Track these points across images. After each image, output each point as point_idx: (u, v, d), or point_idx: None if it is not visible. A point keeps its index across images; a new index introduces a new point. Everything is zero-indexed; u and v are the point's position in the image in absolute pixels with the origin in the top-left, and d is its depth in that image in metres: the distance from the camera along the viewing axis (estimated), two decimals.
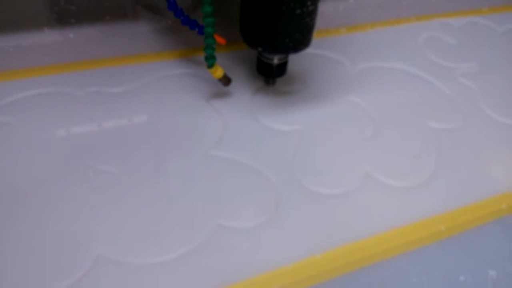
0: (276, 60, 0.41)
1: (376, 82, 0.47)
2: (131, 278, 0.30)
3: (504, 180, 0.39)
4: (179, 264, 0.31)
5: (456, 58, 0.52)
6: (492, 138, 0.43)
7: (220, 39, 0.40)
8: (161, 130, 0.39)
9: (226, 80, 0.42)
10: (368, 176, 0.38)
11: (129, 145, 0.38)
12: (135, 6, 0.51)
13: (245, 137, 0.40)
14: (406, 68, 0.50)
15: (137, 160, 0.37)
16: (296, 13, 0.35)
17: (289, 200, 0.35)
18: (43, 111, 0.40)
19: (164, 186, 0.35)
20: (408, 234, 0.34)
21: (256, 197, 0.35)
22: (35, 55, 0.45)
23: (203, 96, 0.43)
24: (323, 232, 0.33)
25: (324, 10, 0.55)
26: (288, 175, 0.37)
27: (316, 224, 0.34)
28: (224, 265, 0.31)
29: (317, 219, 0.34)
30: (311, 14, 0.37)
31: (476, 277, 0.32)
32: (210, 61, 0.39)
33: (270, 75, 0.43)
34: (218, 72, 0.40)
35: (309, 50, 0.43)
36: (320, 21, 0.41)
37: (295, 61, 0.46)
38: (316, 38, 0.41)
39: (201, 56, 0.46)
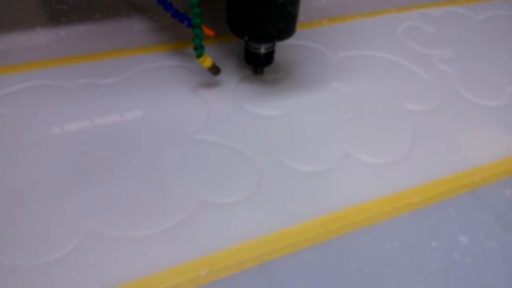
0: (263, 49, 0.43)
1: (357, 69, 0.49)
2: (120, 251, 0.31)
3: (477, 155, 0.41)
4: (166, 236, 0.32)
5: (434, 46, 0.54)
6: (466, 118, 0.45)
7: (208, 31, 0.42)
8: (149, 116, 0.41)
9: (215, 70, 0.44)
10: (347, 154, 0.40)
11: (118, 131, 0.40)
12: (125, 3, 0.53)
13: (229, 122, 0.42)
14: (385, 56, 0.52)
15: (126, 144, 0.39)
16: (279, 2, 0.38)
17: (270, 178, 0.37)
18: (34, 103, 0.42)
19: (152, 166, 0.37)
20: (383, 205, 0.36)
21: (238, 176, 0.37)
22: (27, 52, 0.47)
23: (190, 86, 0.45)
24: (301, 205, 0.35)
25: (306, 5, 0.57)
26: (270, 155, 0.39)
27: (295, 198, 0.36)
28: (207, 236, 0.32)
29: (296, 194, 0.36)
30: (294, 3, 0.39)
31: (447, 243, 0.34)
32: (199, 51, 0.41)
33: (258, 64, 0.45)
34: (207, 61, 0.42)
35: (292, 41, 0.45)
36: (302, 15, 0.43)
37: (279, 51, 0.48)
38: (299, 30, 0.43)
39: (190, 49, 0.49)
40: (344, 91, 0.46)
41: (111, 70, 0.46)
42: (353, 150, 0.40)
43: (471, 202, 0.37)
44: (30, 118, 0.40)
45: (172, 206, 0.34)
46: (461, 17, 0.60)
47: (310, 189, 0.37)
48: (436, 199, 0.37)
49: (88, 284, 0.29)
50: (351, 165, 0.39)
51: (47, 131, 0.39)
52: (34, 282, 0.29)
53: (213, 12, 0.50)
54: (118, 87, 0.44)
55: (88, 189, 0.35)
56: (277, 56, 0.48)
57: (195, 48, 0.41)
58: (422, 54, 0.52)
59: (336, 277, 0.31)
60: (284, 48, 0.50)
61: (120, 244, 0.32)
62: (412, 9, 0.60)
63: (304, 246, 0.33)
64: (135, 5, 0.53)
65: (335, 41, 0.53)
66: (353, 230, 0.34)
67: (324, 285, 0.31)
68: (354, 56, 0.51)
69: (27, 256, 0.30)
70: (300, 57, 0.50)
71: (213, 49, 0.49)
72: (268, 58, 0.45)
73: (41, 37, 0.49)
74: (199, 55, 0.41)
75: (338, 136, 0.42)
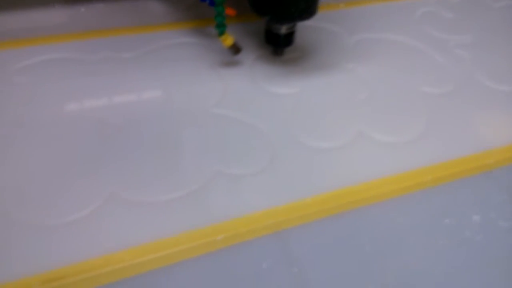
0: (284, 29, 0.44)
1: (373, 52, 0.49)
2: (139, 215, 0.32)
3: (491, 138, 0.41)
4: (183, 203, 0.33)
5: (451, 31, 0.54)
6: (482, 101, 0.45)
7: (230, 10, 0.43)
8: (167, 90, 0.42)
9: (236, 49, 0.44)
10: (361, 133, 0.40)
11: (137, 104, 0.41)
12: None
13: (245, 98, 0.42)
14: (402, 39, 0.52)
15: (145, 116, 0.39)
16: None
17: (285, 152, 0.38)
18: (55, 74, 0.43)
19: (170, 137, 0.38)
20: (396, 183, 0.36)
21: (253, 149, 0.38)
22: (48, 27, 0.48)
23: (208, 63, 0.46)
24: (315, 179, 0.36)
25: None
26: (285, 131, 0.40)
27: (309, 173, 0.36)
28: (223, 204, 0.33)
29: (310, 169, 0.37)
30: None
31: (459, 221, 0.34)
32: (221, 29, 0.41)
33: (278, 44, 0.45)
34: (229, 40, 0.43)
35: (309, 23, 0.45)
36: None
37: (296, 32, 0.48)
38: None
39: (210, 28, 0.49)
40: (360, 73, 0.47)
41: (131, 45, 0.46)
42: (368, 129, 0.41)
43: (484, 183, 0.37)
44: (51, 88, 0.41)
45: (189, 175, 0.35)
46: (479, 3, 0.60)
47: (324, 165, 0.37)
48: (449, 178, 0.37)
49: (107, 244, 0.30)
50: (365, 143, 0.39)
51: (67, 101, 0.40)
52: (55, 240, 0.30)
53: None
54: (138, 62, 0.45)
55: (109, 158, 0.36)
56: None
57: (217, 26, 0.41)
58: (439, 38, 0.52)
59: (348, 248, 0.32)
60: (301, 29, 0.50)
61: (139, 208, 0.32)
62: None
63: (317, 218, 0.33)
64: None
65: (352, 24, 0.53)
66: (366, 205, 0.34)
67: (336, 254, 0.31)
68: (371, 39, 0.51)
69: (49, 215, 0.31)
70: (317, 38, 0.51)
71: (233, 29, 0.49)
72: (289, 39, 0.45)
73: (62, 14, 0.50)
74: (220, 33, 0.42)
75: (353, 115, 0.42)
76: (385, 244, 0.32)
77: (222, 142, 0.38)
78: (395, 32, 0.52)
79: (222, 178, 0.35)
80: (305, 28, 0.50)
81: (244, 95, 0.43)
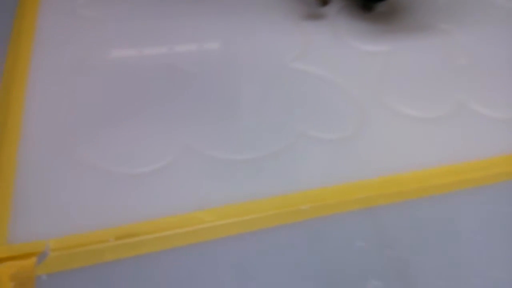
0: None
1: (473, 14, 0.43)
2: (213, 170, 0.29)
3: None
4: (263, 164, 0.30)
5: None
6: None
7: None
8: (246, 40, 0.38)
9: (323, 0, 0.40)
10: (461, 104, 0.35)
11: (211, 51, 0.37)
12: None
13: (327, 53, 0.38)
14: (506, 4, 0.45)
15: (219, 65, 0.36)
16: None
17: (374, 118, 0.33)
18: (125, 12, 0.39)
19: (246, 91, 0.34)
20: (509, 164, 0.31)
21: (339, 111, 0.34)
22: None
23: (290, 14, 0.41)
24: (410, 153, 0.31)
25: None
26: (373, 94, 0.35)
27: (402, 144, 0.32)
28: (309, 170, 0.30)
29: (403, 140, 0.32)
30: None
31: None
32: None
33: None
34: None
35: None
36: None
37: None
38: None
39: None
40: (457, 36, 0.41)
41: None
42: (469, 100, 0.35)
43: None
44: (118, 27, 0.38)
45: (270, 135, 0.31)
46: None
47: (420, 137, 0.33)
48: None
49: (183, 202, 0.27)
50: (468, 116, 0.34)
51: (136, 43, 0.37)
52: (130, 192, 0.28)
53: None
54: (214, 7, 0.40)
55: (182, 107, 0.32)
56: None
57: None
58: None
59: (446, 234, 0.28)
60: None
61: (216, 165, 0.29)
62: None
63: (414, 197, 0.29)
64: None
65: None
66: (471, 187, 0.30)
67: (433, 238, 0.27)
68: (470, 0, 0.45)
69: (123, 165, 0.29)
70: None
71: None
72: None
73: None
74: None
75: (450, 83, 0.37)
76: (489, 233, 0.28)
77: (304, 100, 0.34)
78: None
79: (306, 141, 0.31)
80: None
81: (327, 50, 0.38)
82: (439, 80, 0.37)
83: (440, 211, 0.29)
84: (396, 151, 0.32)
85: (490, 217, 0.29)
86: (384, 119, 0.33)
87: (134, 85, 0.33)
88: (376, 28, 0.40)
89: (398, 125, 0.33)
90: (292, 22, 0.40)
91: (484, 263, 0.26)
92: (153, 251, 0.25)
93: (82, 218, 0.26)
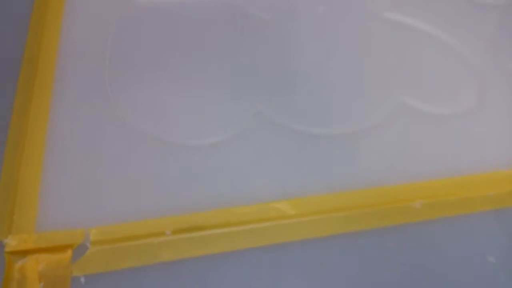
0: None
1: None
2: (293, 146, 0.23)
3: None
4: (354, 143, 0.23)
5: None
6: None
7: None
8: None
9: None
10: None
11: None
12: None
13: (430, 2, 0.30)
14: None
15: (296, 10, 0.28)
16: None
17: (494, 87, 0.26)
18: None
19: (331, 46, 0.27)
20: None
21: (449, 78, 0.26)
22: None
23: None
24: None
25: None
26: (492, 57, 0.27)
27: None
28: (410, 154, 0.23)
29: None
30: None
31: None
32: None
33: None
34: None
35: None
36: None
37: None
38: None
39: None
40: None
41: None
42: None
43: None
44: None
45: (363, 106, 0.24)
46: None
47: None
48: None
49: (259, 179, 0.21)
50: None
51: None
52: (199, 167, 0.21)
53: None
54: None
55: (254, 65, 0.25)
56: None
57: None
58: None
59: None
60: None
61: (297, 141, 0.23)
62: None
63: None
64: None
65: None
66: None
67: None
68: None
69: (189, 136, 0.22)
70: None
71: None
72: None
73: None
74: None
75: None
76: None
77: (404, 62, 0.27)
78: None
79: (409, 116, 0.24)
80: None
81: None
82: None
83: None
84: None
85: None
86: (505, 89, 0.26)
87: (190, 32, 0.26)
88: None
89: None
90: None
91: None
92: (224, 250, 0.19)
93: (131, 202, 0.20)
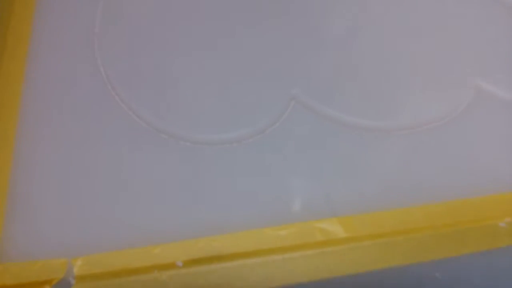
0: None
1: None
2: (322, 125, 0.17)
3: None
4: (417, 136, 0.18)
5: None
6: None
7: None
8: None
9: None
10: None
11: None
12: None
13: None
14: None
15: None
16: None
17: None
18: None
19: (381, 18, 0.21)
20: None
21: None
22: None
23: None
24: None
25: None
26: None
27: None
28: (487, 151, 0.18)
29: None
30: None
31: None
32: None
33: None
34: None
35: None
36: None
37: None
38: None
39: None
40: None
41: None
42: None
43: None
44: None
45: (435, 91, 0.19)
46: None
47: None
48: None
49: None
50: None
51: None
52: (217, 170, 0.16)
53: None
54: None
55: (292, 38, 0.20)
56: None
57: None
58: None
59: None
60: None
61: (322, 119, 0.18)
62: None
63: None
64: None
65: None
66: None
67: None
68: None
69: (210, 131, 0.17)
70: None
71: None
72: None
73: None
74: None
75: None
76: None
77: (476, 34, 0.21)
78: None
79: (485, 104, 0.19)
80: None
81: None
82: None
83: None
84: None
85: None
86: None
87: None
88: None
89: None
90: None
91: None
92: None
93: (129, 221, 0.15)
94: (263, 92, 0.18)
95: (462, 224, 0.16)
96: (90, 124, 0.17)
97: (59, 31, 0.19)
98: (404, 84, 0.19)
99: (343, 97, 0.18)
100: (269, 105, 0.17)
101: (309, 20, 0.20)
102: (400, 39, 0.20)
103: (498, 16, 0.21)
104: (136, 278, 0.14)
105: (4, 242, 0.14)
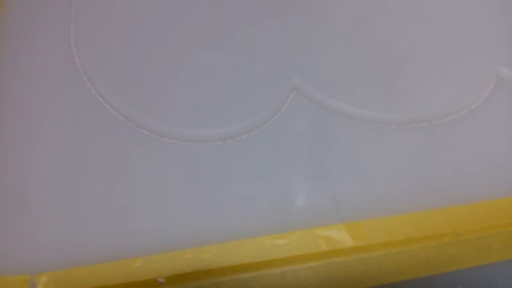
0: None
1: None
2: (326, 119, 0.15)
3: None
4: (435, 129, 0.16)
5: None
6: None
7: None
8: None
9: None
10: None
11: None
12: None
13: None
14: None
15: None
16: None
17: None
18: None
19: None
20: None
21: None
22: None
23: None
24: None
25: None
26: None
27: None
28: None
29: None
30: None
31: None
32: None
33: None
34: None
35: None
36: None
37: None
38: None
39: None
40: None
41: None
42: None
43: None
44: None
45: (462, 81, 0.17)
46: None
47: None
48: None
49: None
50: None
51: None
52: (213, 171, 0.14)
53: None
54: None
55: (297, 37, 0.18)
56: None
57: None
58: None
59: None
60: None
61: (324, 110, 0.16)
62: None
63: None
64: None
65: None
66: None
67: None
68: None
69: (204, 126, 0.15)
70: None
71: None
72: None
73: None
74: None
75: None
76: None
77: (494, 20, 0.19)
78: None
79: (506, 91, 0.17)
80: None
81: None
82: None
83: None
84: None
85: None
86: None
87: None
88: None
89: None
90: None
91: None
92: None
93: (102, 229, 0.13)
94: (259, 82, 0.16)
95: (487, 230, 0.14)
96: (62, 118, 0.15)
97: (33, 18, 0.17)
98: (418, 73, 0.17)
99: (350, 87, 0.16)
100: (266, 96, 0.15)
101: (314, 4, 0.18)
102: (412, 25, 0.18)
103: None
104: None
105: None
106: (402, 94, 0.16)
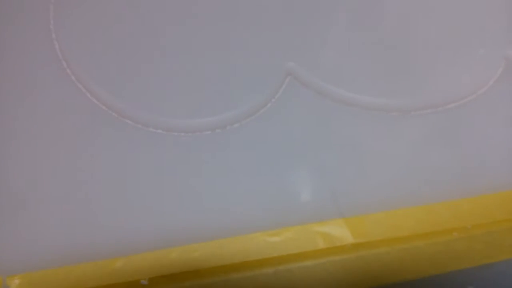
0: None
1: None
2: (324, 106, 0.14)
3: None
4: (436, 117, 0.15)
5: None
6: None
7: None
8: None
9: None
10: None
11: None
12: None
13: None
14: None
15: None
16: None
17: None
18: None
19: None
20: None
21: None
22: None
23: None
24: None
25: None
26: None
27: None
28: None
29: None
30: None
31: None
32: None
33: None
34: None
35: None
36: None
37: None
38: None
39: None
40: None
41: None
42: None
43: None
44: None
45: (470, 64, 0.16)
46: None
47: None
48: None
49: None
50: None
51: None
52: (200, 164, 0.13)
53: None
54: None
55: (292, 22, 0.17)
56: None
57: None
58: None
59: None
60: None
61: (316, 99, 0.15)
62: None
63: None
64: None
65: None
66: None
67: None
68: None
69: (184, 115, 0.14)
70: None
71: None
72: None
73: None
74: None
75: None
76: None
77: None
78: None
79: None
80: None
81: None
82: None
83: None
84: None
85: None
86: None
87: None
88: None
89: None
90: None
91: None
92: None
93: (80, 228, 0.12)
94: (252, 66, 0.14)
95: (498, 224, 0.13)
96: (39, 108, 0.14)
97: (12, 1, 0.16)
98: (422, 57, 0.16)
99: (350, 72, 0.15)
100: (259, 82, 0.14)
101: None
102: (416, 8, 0.17)
103: None
104: None
105: None
106: (405, 79, 0.15)
